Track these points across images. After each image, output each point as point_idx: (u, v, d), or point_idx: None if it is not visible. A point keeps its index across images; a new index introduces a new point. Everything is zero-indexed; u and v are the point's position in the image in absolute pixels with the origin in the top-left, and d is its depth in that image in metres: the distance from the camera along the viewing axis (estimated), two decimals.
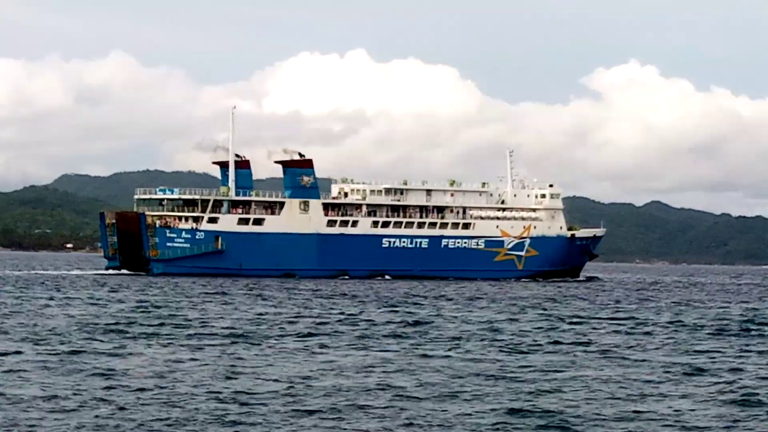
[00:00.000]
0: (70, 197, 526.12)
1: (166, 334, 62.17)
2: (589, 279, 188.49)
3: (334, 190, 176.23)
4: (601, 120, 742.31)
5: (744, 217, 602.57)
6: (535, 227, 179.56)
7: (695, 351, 59.25)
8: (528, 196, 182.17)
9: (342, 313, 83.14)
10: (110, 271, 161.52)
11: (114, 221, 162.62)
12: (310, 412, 36.68)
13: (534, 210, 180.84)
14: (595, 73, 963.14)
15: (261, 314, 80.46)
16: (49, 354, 51.26)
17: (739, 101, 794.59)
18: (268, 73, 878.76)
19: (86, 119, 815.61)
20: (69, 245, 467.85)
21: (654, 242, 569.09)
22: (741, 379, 47.39)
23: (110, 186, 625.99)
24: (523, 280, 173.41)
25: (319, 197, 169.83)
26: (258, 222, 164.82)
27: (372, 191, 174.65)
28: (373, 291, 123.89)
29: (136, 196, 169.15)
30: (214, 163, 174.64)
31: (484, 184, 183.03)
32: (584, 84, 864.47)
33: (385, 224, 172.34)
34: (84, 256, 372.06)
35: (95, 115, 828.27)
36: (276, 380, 44.07)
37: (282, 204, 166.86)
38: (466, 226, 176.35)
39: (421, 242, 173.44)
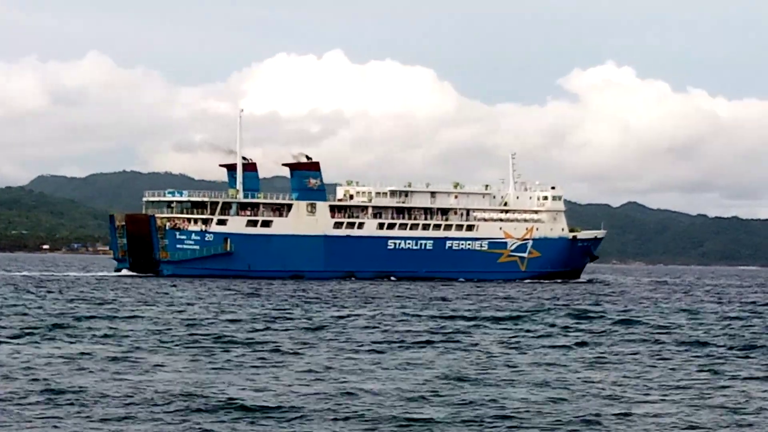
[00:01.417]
0: (46, 198, 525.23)
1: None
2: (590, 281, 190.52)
3: (340, 192, 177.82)
4: (578, 121, 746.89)
5: (720, 217, 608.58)
6: (537, 229, 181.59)
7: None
8: (530, 198, 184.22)
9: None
10: (120, 273, 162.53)
11: (124, 223, 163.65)
12: None
13: (536, 212, 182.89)
14: (571, 74, 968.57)
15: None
16: None
17: (716, 102, 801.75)
18: (245, 74, 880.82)
19: (63, 120, 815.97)
20: (45, 246, 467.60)
21: (630, 243, 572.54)
22: None
23: (86, 187, 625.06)
24: (525, 281, 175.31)
25: (326, 199, 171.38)
26: (266, 224, 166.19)
27: (377, 193, 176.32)
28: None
29: (144, 199, 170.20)
30: (221, 165, 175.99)
31: (486, 186, 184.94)
32: (561, 85, 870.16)
33: (391, 226, 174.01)
34: (74, 257, 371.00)
35: (72, 117, 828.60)
36: None
37: (290, 206, 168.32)
38: (469, 227, 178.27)
39: (425, 244, 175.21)
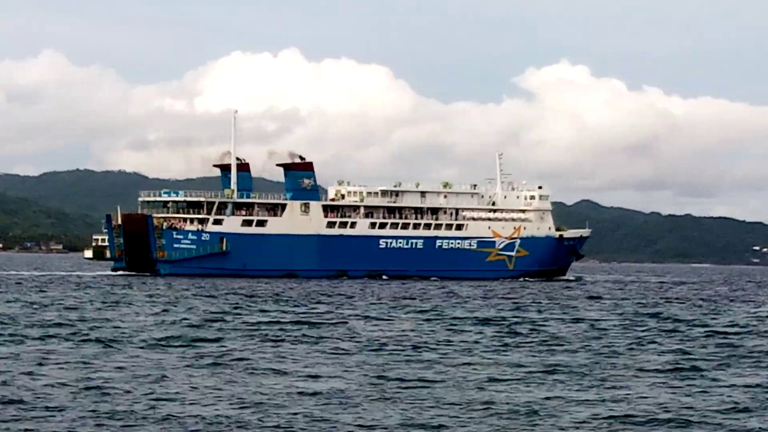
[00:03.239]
0: None
1: None
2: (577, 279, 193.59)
3: (331, 192, 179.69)
4: (533, 119, 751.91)
5: (673, 215, 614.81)
6: (525, 228, 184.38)
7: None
8: (518, 197, 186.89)
9: None
10: (118, 272, 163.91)
11: (120, 223, 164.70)
12: None
13: (524, 211, 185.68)
14: (526, 72, 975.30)
15: None
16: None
17: (670, 100, 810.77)
18: (200, 72, 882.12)
19: (17, 119, 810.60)
20: None
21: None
22: None
23: (40, 186, 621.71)
24: (508, 279, 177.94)
25: (319, 199, 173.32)
26: (261, 223, 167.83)
27: (369, 193, 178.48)
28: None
29: (140, 199, 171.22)
30: (215, 165, 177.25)
31: (474, 185, 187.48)
32: (516, 83, 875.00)
33: (382, 225, 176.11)
34: (32, 256, 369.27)
35: (26, 115, 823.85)
36: None
37: (284, 206, 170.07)
38: (459, 227, 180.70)
39: (416, 243, 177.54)
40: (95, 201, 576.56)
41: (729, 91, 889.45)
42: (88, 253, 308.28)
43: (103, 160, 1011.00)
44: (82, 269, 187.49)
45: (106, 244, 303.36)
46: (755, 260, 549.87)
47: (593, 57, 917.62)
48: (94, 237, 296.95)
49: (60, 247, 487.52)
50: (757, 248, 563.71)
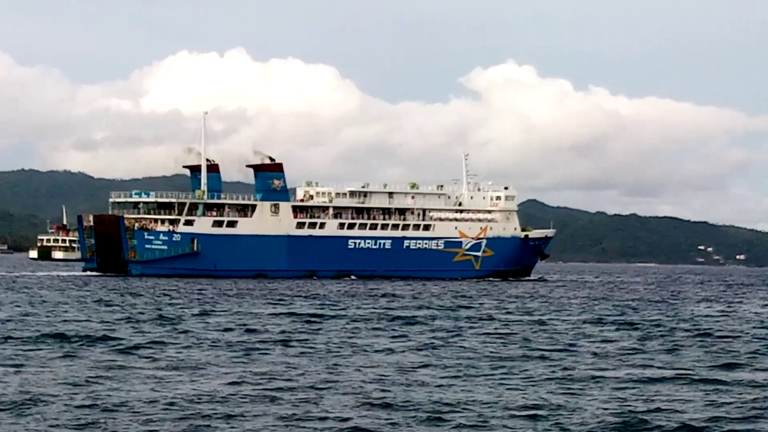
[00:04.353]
0: None
1: None
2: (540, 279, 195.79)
3: (299, 192, 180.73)
4: (480, 119, 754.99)
5: (619, 215, 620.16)
6: (491, 228, 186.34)
7: None
8: (484, 198, 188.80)
9: None
10: (88, 273, 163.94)
11: (92, 224, 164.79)
12: None
13: (490, 212, 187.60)
14: (473, 72, 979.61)
15: None
16: None
17: (617, 100, 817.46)
18: (146, 72, 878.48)
19: None
20: None
21: None
22: None
23: None
24: (475, 279, 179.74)
25: (289, 200, 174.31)
26: (231, 224, 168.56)
27: (338, 194, 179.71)
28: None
29: (111, 200, 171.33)
30: (184, 167, 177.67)
31: (440, 186, 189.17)
32: (463, 83, 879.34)
33: (351, 226, 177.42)
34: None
35: None
36: None
37: (254, 207, 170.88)
38: (426, 227, 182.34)
39: (384, 243, 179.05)
40: (40, 201, 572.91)
41: (674, 91, 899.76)
42: (33, 254, 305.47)
43: (48, 160, 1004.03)
44: (55, 269, 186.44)
45: (52, 244, 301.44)
46: (700, 260, 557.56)
47: (539, 57, 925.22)
48: (39, 237, 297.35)
49: (5, 247, 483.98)
50: (702, 248, 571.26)
